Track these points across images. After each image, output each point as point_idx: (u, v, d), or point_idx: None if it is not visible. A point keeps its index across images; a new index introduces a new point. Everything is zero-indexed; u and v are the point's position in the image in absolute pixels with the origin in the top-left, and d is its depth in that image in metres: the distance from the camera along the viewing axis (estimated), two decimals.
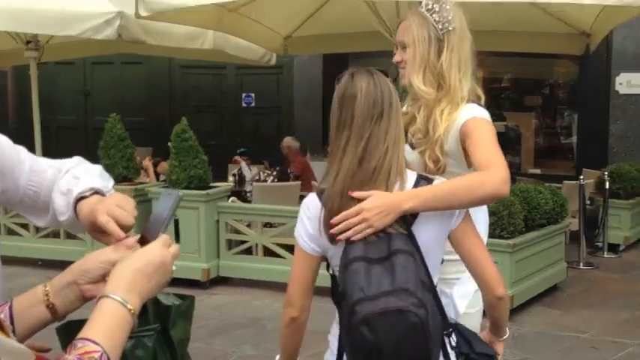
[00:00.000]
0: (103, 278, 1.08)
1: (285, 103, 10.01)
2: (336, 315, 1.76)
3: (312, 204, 1.75)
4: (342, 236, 1.65)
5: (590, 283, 6.16)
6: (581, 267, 6.60)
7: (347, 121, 1.69)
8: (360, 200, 1.65)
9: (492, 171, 1.77)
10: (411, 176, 1.74)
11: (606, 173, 7.15)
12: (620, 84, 8.21)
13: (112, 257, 1.10)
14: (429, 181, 1.74)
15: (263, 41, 6.92)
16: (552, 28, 6.00)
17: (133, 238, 1.13)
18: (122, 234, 1.17)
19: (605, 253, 7.11)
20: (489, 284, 1.74)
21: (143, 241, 1.12)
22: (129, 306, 0.99)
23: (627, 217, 7.33)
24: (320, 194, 1.74)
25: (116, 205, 1.21)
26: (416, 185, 1.72)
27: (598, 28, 5.60)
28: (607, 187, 6.96)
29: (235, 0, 5.37)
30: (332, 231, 1.66)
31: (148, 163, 7.57)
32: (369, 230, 1.62)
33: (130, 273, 1.03)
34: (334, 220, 1.66)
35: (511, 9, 5.16)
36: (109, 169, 6.02)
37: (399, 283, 1.55)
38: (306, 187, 6.98)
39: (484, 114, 1.96)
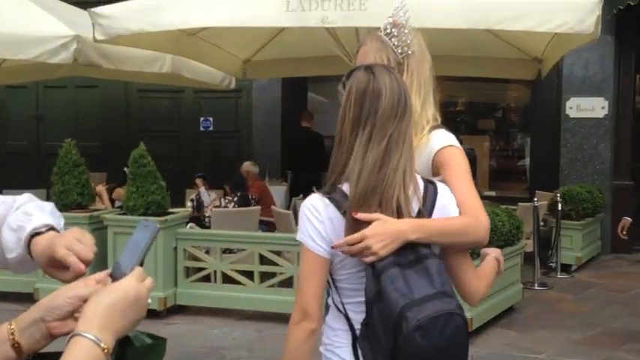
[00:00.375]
0: (71, 314, 1.04)
1: (244, 127, 9.97)
2: (336, 324, 1.72)
3: (321, 207, 1.67)
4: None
5: (545, 303, 6.28)
6: (536, 288, 6.74)
7: (369, 118, 1.64)
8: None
9: (481, 221, 1.82)
10: (419, 179, 1.73)
11: (559, 195, 7.34)
12: (571, 108, 8.46)
13: (81, 292, 1.05)
14: (434, 184, 1.75)
15: (222, 65, 6.90)
16: (506, 54, 6.14)
17: (104, 272, 1.08)
18: (83, 267, 1.15)
19: (559, 273, 7.27)
20: (466, 298, 1.80)
21: (113, 275, 1.06)
22: (102, 345, 0.94)
23: (579, 238, 7.53)
24: (329, 195, 1.68)
25: (75, 240, 1.19)
26: (425, 189, 1.72)
27: (549, 54, 5.76)
28: (560, 208, 7.14)
29: (194, 26, 5.34)
30: (341, 251, 1.64)
31: (101, 188, 7.38)
32: (372, 258, 1.60)
33: (104, 309, 0.97)
34: (336, 244, 1.63)
35: (466, 35, 5.27)
36: (63, 195, 5.90)
37: (439, 287, 1.57)
38: (266, 212, 6.93)
39: (456, 141, 1.98)
